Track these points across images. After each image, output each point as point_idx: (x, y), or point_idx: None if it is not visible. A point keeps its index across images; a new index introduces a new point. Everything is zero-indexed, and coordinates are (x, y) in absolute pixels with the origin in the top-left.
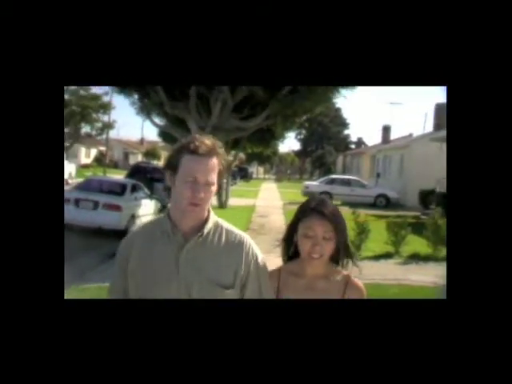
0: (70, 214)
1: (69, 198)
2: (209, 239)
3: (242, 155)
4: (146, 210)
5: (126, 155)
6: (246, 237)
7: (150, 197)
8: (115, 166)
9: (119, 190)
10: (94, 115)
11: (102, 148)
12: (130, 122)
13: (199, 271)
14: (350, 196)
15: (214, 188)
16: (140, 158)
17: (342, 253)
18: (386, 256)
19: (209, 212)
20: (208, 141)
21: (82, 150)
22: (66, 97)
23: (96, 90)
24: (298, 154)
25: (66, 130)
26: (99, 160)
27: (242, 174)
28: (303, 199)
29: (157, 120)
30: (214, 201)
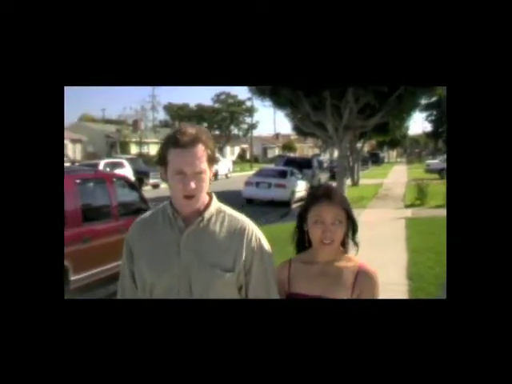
0: (253, 191)
1: (252, 182)
2: (210, 224)
3: (373, 142)
4: (300, 187)
5: (265, 150)
6: (249, 223)
7: (302, 179)
8: (255, 160)
9: (283, 174)
10: (241, 118)
11: (244, 145)
12: (263, 118)
13: (199, 254)
14: None
15: (206, 175)
16: (277, 151)
17: (351, 236)
18: (442, 206)
19: (210, 197)
20: (191, 130)
21: (227, 149)
22: (217, 106)
23: (241, 96)
24: (429, 135)
25: (217, 133)
26: (242, 156)
27: (374, 159)
28: (426, 176)
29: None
30: (348, 181)
